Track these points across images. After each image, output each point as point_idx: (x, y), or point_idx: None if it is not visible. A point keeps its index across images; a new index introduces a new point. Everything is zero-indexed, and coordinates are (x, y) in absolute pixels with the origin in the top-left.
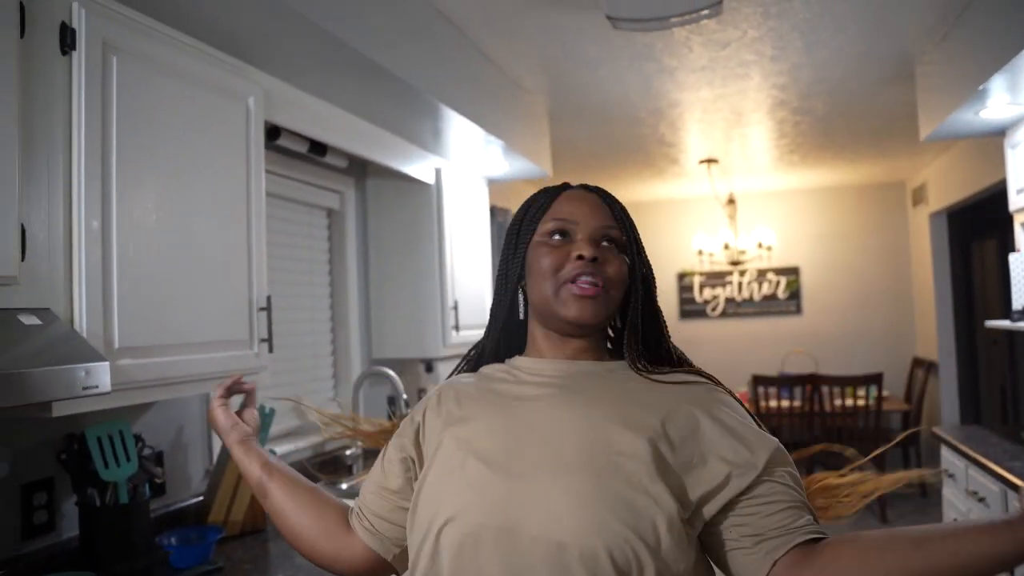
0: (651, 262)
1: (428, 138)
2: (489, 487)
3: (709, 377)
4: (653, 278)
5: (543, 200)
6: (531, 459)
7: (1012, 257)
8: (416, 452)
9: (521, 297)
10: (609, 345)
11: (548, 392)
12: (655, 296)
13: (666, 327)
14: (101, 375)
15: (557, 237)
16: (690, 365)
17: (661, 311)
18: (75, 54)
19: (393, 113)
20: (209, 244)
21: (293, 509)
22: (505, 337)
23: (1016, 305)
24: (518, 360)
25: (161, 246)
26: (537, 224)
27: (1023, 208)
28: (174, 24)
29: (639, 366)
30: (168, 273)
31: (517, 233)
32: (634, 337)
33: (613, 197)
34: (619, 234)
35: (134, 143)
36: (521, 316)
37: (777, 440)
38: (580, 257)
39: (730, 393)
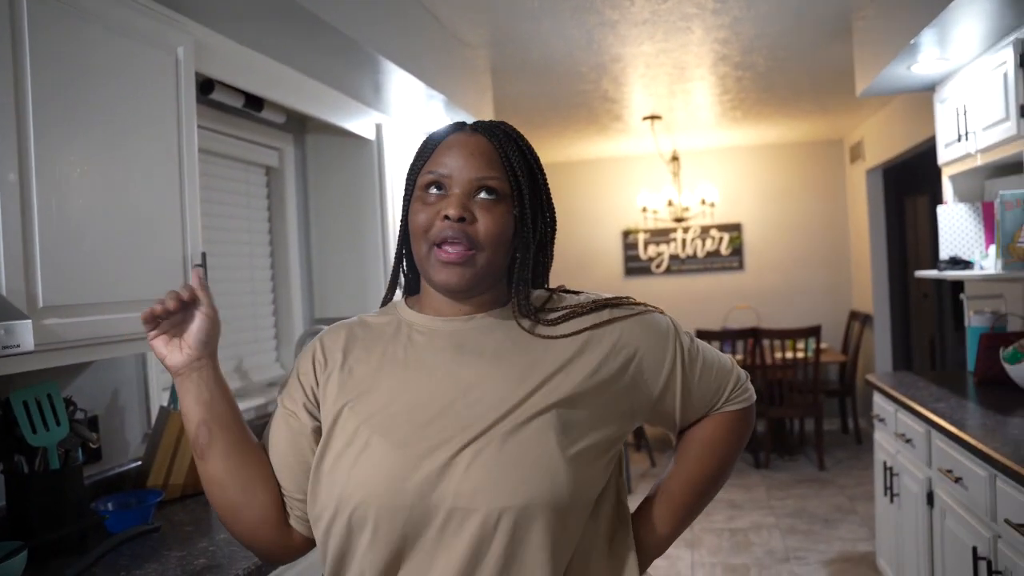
0: (596, 220)
1: (368, 93)
2: (395, 467)
3: (597, 304)
4: (550, 226)
5: (429, 146)
6: (436, 432)
7: (940, 209)
8: (312, 421)
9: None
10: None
11: (446, 356)
12: (550, 246)
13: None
14: (23, 334)
15: (433, 191)
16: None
17: (548, 260)
18: None
19: (332, 67)
20: (139, 200)
21: (231, 483)
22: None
23: (943, 255)
24: (410, 315)
25: (87, 201)
26: (418, 174)
27: (950, 161)
28: None
29: (524, 325)
30: (96, 229)
31: (407, 180)
32: (521, 293)
33: (506, 136)
34: (500, 183)
35: (53, 93)
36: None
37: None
38: (447, 217)
39: (620, 301)
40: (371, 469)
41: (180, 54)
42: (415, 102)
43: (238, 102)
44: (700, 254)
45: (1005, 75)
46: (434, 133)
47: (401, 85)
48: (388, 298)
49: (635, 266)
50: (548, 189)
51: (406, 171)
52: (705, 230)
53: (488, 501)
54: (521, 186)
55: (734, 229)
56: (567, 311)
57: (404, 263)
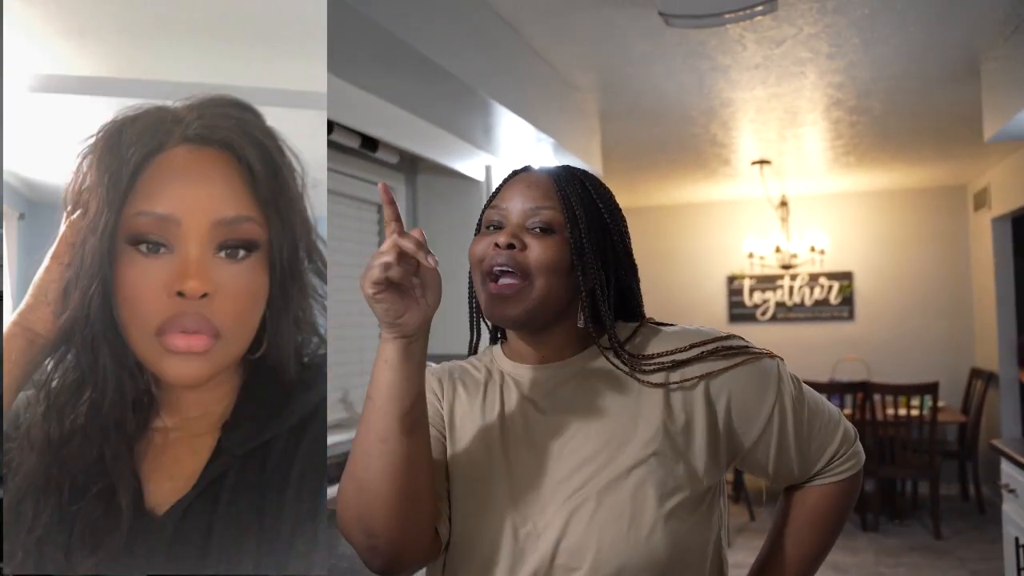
0: (701, 265)
1: (479, 135)
2: (512, 518)
3: (705, 351)
4: (624, 260)
5: (496, 189)
6: (541, 486)
7: None
8: (442, 425)
9: None
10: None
11: (540, 406)
12: (629, 281)
13: (640, 305)
14: None
15: (492, 228)
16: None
17: (635, 288)
18: None
19: (445, 109)
20: None
21: (425, 466)
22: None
23: None
24: (503, 362)
25: None
26: (483, 215)
27: None
28: None
29: (620, 368)
30: None
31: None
32: (608, 330)
33: (568, 172)
34: (553, 213)
35: None
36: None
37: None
38: (497, 245)
39: (728, 344)
40: (496, 518)
41: None
42: (524, 144)
43: (355, 143)
44: (808, 302)
45: None
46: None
47: (511, 128)
48: (474, 343)
49: (739, 312)
50: (620, 224)
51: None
52: (814, 277)
53: (592, 560)
54: (576, 216)
55: (844, 277)
56: (668, 360)
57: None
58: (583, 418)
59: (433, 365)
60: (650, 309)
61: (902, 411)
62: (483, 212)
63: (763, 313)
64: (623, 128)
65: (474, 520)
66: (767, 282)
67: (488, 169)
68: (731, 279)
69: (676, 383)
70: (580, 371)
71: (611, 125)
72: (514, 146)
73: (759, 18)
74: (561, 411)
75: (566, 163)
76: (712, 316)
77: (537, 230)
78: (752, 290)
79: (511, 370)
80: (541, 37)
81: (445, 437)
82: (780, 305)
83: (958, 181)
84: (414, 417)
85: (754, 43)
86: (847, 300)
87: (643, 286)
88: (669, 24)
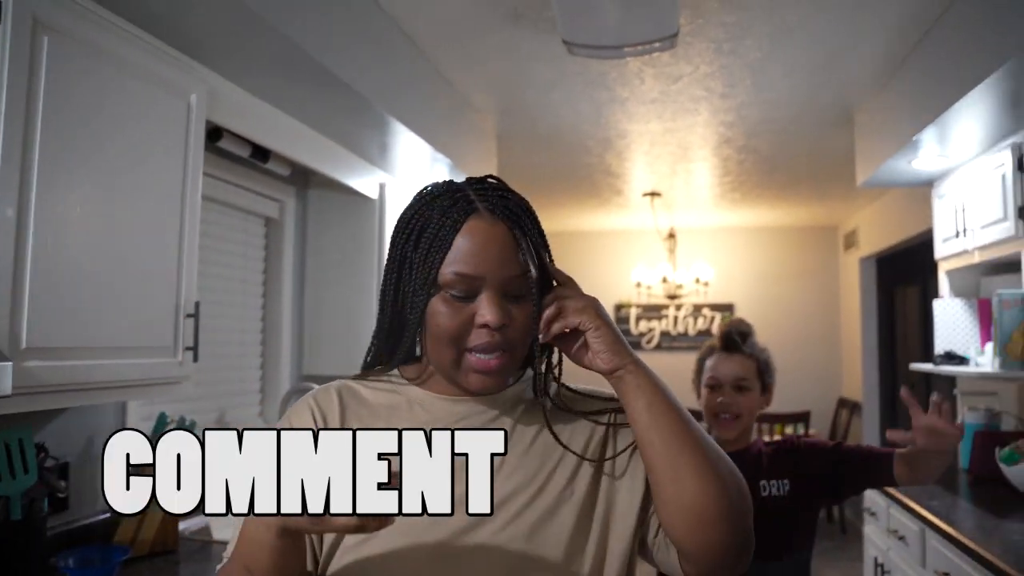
0: (590, 292)
1: (374, 152)
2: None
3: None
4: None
5: (446, 227)
6: (454, 524)
7: (936, 303)
8: None
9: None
10: None
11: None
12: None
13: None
14: (1, 377)
15: (459, 291)
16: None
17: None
18: (0, 28)
19: (341, 123)
20: (137, 244)
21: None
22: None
23: (938, 350)
24: (416, 393)
25: (83, 242)
26: (437, 265)
27: (947, 256)
28: (115, 9)
29: (546, 405)
30: (89, 271)
31: (410, 263)
32: (542, 379)
33: (525, 219)
34: (530, 278)
35: (62, 130)
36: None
37: None
38: (485, 325)
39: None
40: (395, 562)
41: (192, 101)
42: (420, 164)
43: (245, 151)
44: (691, 332)
45: (1003, 176)
46: (448, 205)
47: (408, 146)
48: (371, 365)
49: (626, 340)
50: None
51: (400, 238)
52: (698, 308)
53: None
54: (544, 270)
55: (726, 309)
56: (584, 392)
57: (395, 336)
58: (511, 454)
59: (317, 388)
60: None
61: (777, 436)
62: (431, 257)
63: (648, 341)
64: (520, 152)
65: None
66: (653, 311)
67: (382, 187)
68: (619, 307)
69: (594, 412)
70: (505, 404)
71: (508, 148)
72: (410, 165)
73: (658, 54)
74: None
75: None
76: None
77: (517, 298)
78: (639, 318)
79: (431, 402)
80: (443, 55)
81: None
82: (665, 334)
83: (831, 222)
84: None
85: (652, 78)
86: None
87: None
88: (571, 53)
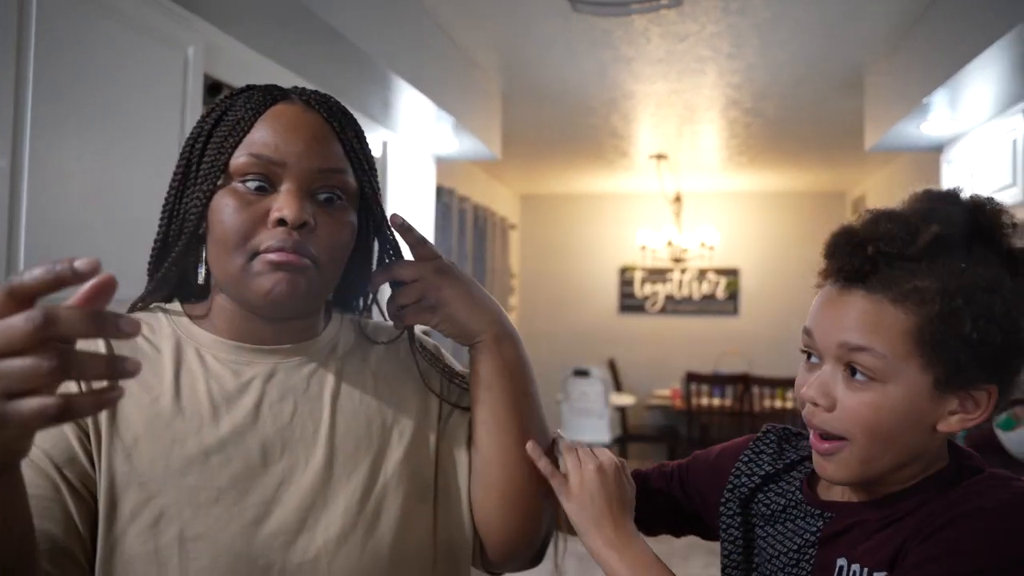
0: (594, 255)
1: (377, 109)
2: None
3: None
4: (392, 244)
5: (243, 113)
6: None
7: None
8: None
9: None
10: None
11: (263, 401)
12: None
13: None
14: None
15: (252, 182)
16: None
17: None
18: None
19: (342, 79)
20: (134, 199)
21: None
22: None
23: None
24: (199, 335)
25: (80, 194)
26: (230, 151)
27: None
28: None
29: (371, 363)
30: (85, 223)
31: (200, 153)
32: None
33: (346, 117)
34: (349, 181)
35: (55, 80)
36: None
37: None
38: (281, 222)
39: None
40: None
41: (190, 54)
42: (423, 122)
43: None
44: (696, 296)
45: (1014, 142)
46: (249, 91)
47: (410, 103)
48: (146, 298)
49: (630, 303)
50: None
51: (193, 133)
52: (703, 273)
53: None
54: (369, 186)
55: (731, 274)
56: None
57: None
58: (327, 417)
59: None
60: (541, 298)
61: (778, 403)
62: (222, 145)
63: (653, 305)
64: (524, 111)
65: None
66: (658, 275)
67: (385, 145)
68: (623, 270)
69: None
70: (319, 357)
71: (512, 107)
72: (413, 123)
73: (664, 11)
74: (287, 410)
75: (473, 145)
76: (603, 306)
77: (328, 202)
78: (643, 282)
79: (219, 349)
80: (446, 11)
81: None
82: (669, 298)
83: (839, 188)
84: None
85: (658, 37)
86: (733, 296)
87: (535, 275)
88: (576, 10)
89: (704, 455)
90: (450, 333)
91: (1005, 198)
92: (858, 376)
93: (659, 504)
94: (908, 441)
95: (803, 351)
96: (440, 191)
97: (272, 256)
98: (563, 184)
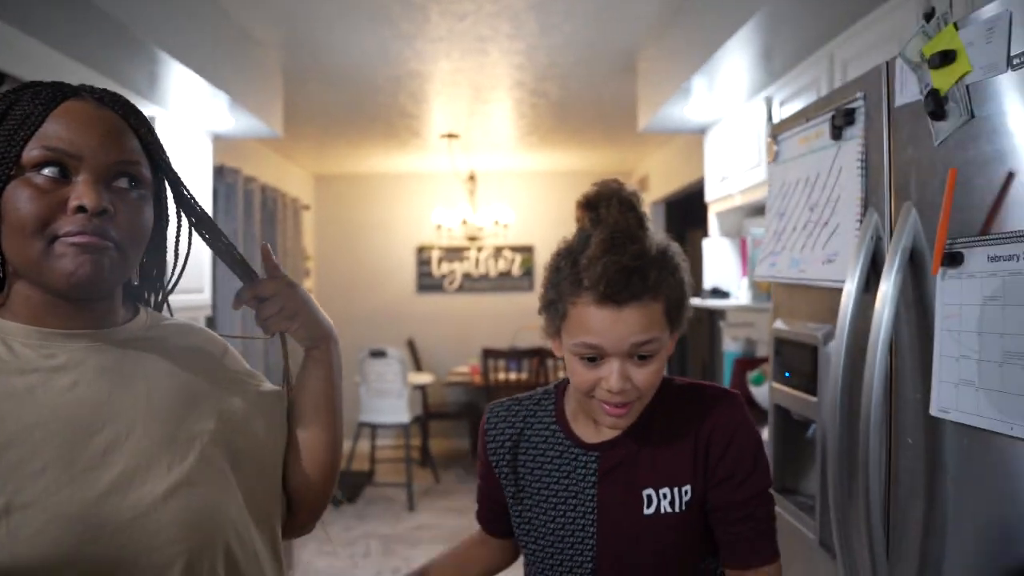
0: (390, 235)
1: (143, 84)
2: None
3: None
4: (207, 219)
5: (33, 108)
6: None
7: (705, 242)
8: None
9: None
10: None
11: (81, 378)
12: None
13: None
14: None
15: (48, 172)
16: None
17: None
18: None
19: (99, 50)
20: None
21: None
22: None
23: (707, 285)
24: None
25: None
26: (21, 144)
27: (716, 200)
28: None
29: (179, 344)
30: None
31: None
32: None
33: (138, 113)
34: (145, 171)
35: None
36: None
37: None
38: (81, 209)
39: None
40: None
41: None
42: (196, 98)
43: None
44: (492, 274)
45: (758, 127)
46: (36, 88)
47: (180, 79)
48: None
49: (428, 283)
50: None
51: None
52: (498, 250)
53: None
54: (167, 172)
55: (526, 251)
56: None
57: None
58: (139, 398)
59: None
60: (338, 280)
61: None
62: (10, 140)
63: (451, 283)
64: (309, 90)
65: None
66: (454, 253)
67: (153, 120)
68: (420, 250)
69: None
70: (124, 341)
71: (296, 86)
72: (184, 99)
73: None
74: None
75: (252, 123)
76: (402, 286)
77: (126, 189)
78: (440, 261)
79: (26, 336)
80: None
81: None
82: (467, 276)
83: (625, 167)
84: None
85: (437, 15)
86: (528, 272)
87: (331, 257)
88: None
89: (479, 470)
90: (302, 337)
91: (753, 178)
92: (644, 357)
93: (504, 525)
94: (660, 379)
95: (586, 357)
96: (223, 170)
97: (73, 239)
98: (357, 164)
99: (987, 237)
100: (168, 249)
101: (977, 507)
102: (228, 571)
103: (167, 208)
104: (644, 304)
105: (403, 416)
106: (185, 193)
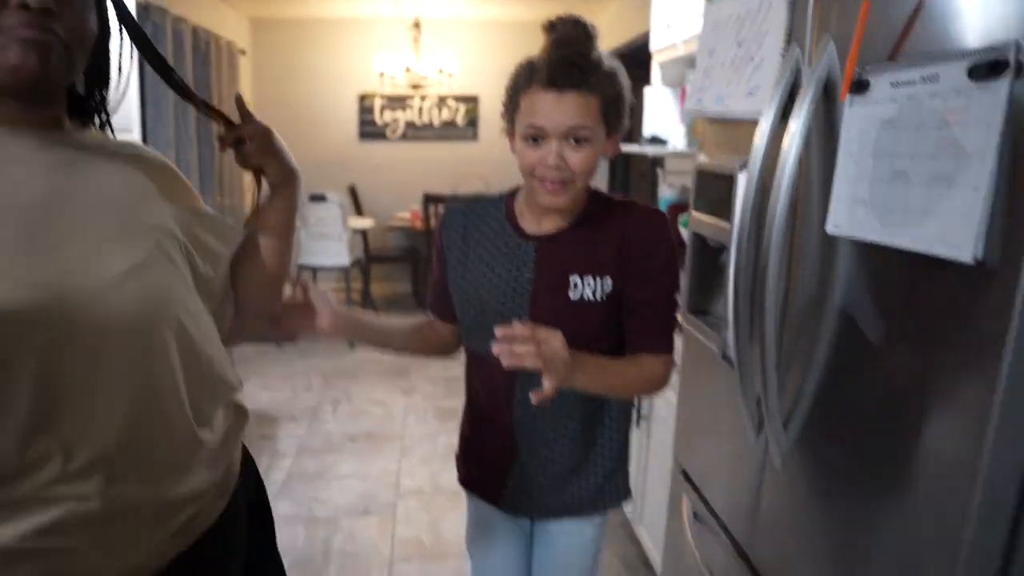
0: (332, 83)
1: None
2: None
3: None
4: (145, 37)
5: None
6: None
7: (646, 90)
8: None
9: None
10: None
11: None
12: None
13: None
14: None
15: None
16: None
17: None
18: None
19: None
20: None
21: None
22: None
23: (646, 133)
24: None
25: None
26: None
27: (661, 49)
28: None
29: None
30: None
31: None
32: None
33: None
34: None
35: None
36: None
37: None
38: (24, 6)
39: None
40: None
41: None
42: None
43: None
44: (436, 123)
45: None
46: None
47: None
48: None
49: (370, 131)
50: None
51: None
52: (442, 100)
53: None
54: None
55: (471, 101)
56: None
57: None
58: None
59: None
60: (277, 127)
61: None
62: None
63: (393, 132)
64: None
65: None
66: (397, 102)
67: None
68: (362, 98)
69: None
70: (83, 141)
71: None
72: None
73: None
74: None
75: None
76: (344, 134)
77: None
78: (383, 109)
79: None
80: None
81: None
82: (410, 124)
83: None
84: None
85: None
86: (473, 122)
87: (270, 103)
88: None
89: (433, 266)
90: (275, 172)
91: (697, 28)
92: (579, 141)
93: (452, 312)
94: (593, 171)
95: (531, 137)
96: (148, 9)
97: (18, 31)
98: (297, 8)
99: (891, 64)
100: (112, 65)
101: (862, 319)
102: (181, 345)
103: (108, 22)
104: (582, 94)
105: (343, 259)
106: (125, 10)
